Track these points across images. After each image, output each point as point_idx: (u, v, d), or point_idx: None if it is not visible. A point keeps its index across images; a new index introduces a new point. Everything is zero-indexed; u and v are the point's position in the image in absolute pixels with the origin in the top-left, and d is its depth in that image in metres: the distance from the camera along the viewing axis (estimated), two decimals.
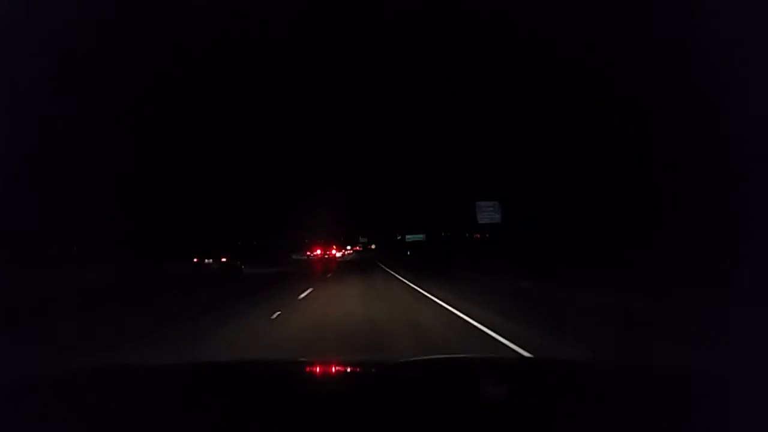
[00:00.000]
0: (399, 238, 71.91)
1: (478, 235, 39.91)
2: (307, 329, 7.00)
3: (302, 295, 12.19)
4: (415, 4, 25.48)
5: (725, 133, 12.00)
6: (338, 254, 64.42)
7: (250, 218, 48.78)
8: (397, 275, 19.22)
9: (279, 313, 8.71)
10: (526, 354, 4.88)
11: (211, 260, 23.16)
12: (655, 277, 9.73)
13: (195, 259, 23.12)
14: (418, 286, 13.42)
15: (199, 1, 23.11)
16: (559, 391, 1.47)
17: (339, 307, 9.61)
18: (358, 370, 2.02)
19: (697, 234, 11.38)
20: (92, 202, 21.12)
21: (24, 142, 17.53)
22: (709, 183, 12.02)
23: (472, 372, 1.83)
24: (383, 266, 27.62)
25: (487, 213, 24.47)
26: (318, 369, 2.00)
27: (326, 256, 52.18)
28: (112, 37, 21.40)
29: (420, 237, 50.65)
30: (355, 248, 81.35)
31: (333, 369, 2.03)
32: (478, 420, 1.14)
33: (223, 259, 23.67)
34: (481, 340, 5.84)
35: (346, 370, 1.98)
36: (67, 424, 1.15)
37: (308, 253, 53.11)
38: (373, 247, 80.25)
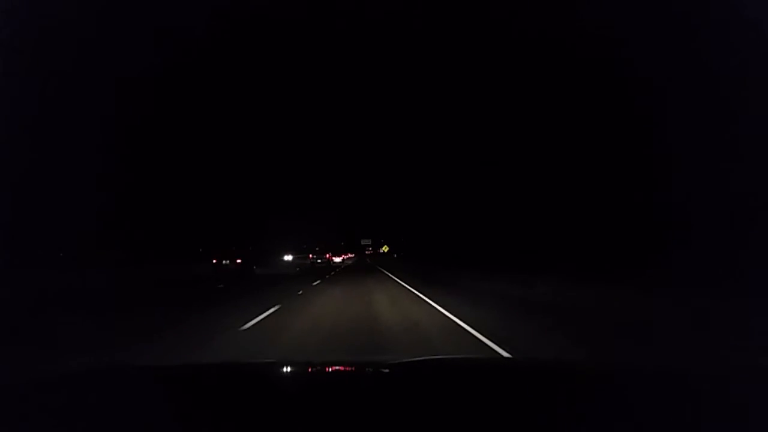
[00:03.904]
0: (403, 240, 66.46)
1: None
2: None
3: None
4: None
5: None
6: (337, 260, 64.89)
7: (251, 224, 51.83)
8: None
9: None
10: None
11: (228, 261, 28.44)
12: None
13: (214, 260, 28.41)
14: None
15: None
16: (559, 393, 1.54)
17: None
18: (354, 370, 2.16)
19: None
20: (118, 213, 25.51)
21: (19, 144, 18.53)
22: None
23: (469, 373, 1.95)
24: None
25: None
26: (315, 370, 2.17)
27: (318, 261, 50.83)
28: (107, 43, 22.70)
29: None
30: (349, 255, 69.84)
31: (328, 370, 2.17)
32: (474, 421, 1.21)
33: (238, 261, 28.93)
34: None
35: (341, 371, 2.13)
36: (67, 424, 1.22)
37: (309, 257, 54.61)
38: (385, 250, 63.98)
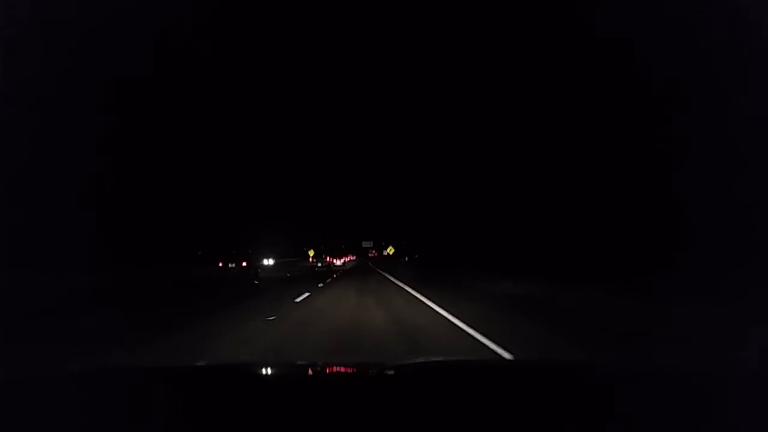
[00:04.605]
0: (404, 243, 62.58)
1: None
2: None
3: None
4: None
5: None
6: (338, 262, 64.31)
7: (250, 227, 51.74)
8: None
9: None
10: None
11: (233, 265, 29.02)
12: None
13: (220, 264, 28.96)
14: None
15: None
16: (560, 394, 1.56)
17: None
18: (357, 372, 2.16)
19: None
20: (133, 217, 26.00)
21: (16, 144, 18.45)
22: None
23: (471, 375, 1.97)
24: None
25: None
26: (317, 371, 2.17)
27: (319, 265, 49.53)
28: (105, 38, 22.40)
29: None
30: (350, 257, 68.69)
31: (331, 371, 2.18)
32: (477, 423, 1.22)
33: (244, 264, 29.50)
34: None
35: (344, 373, 2.12)
36: (65, 424, 1.24)
37: (309, 260, 53.29)
38: (390, 252, 57.43)
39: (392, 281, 20.17)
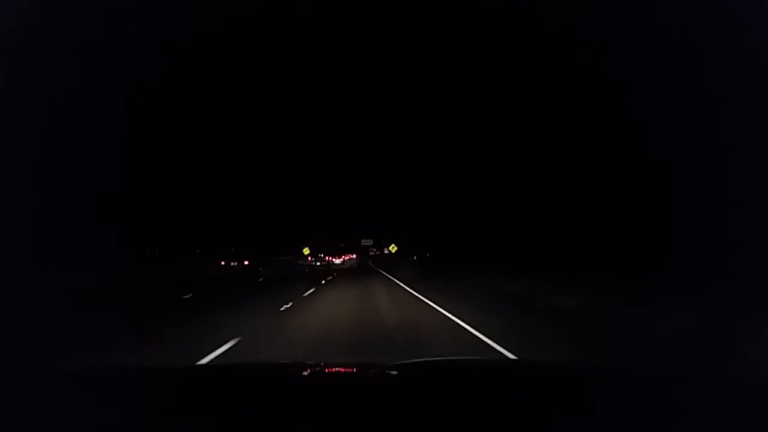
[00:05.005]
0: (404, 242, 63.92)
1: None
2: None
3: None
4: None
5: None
6: (338, 261, 64.92)
7: (250, 226, 51.44)
8: None
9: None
10: None
11: (235, 263, 29.35)
12: None
13: (222, 262, 29.26)
14: None
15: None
16: (561, 394, 1.58)
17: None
18: (355, 372, 2.19)
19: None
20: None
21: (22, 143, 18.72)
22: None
23: (474, 375, 1.99)
24: None
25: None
26: (315, 371, 2.19)
27: (318, 264, 49.08)
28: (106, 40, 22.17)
29: None
30: (350, 255, 69.43)
31: (329, 371, 2.21)
32: (479, 422, 1.23)
33: (246, 262, 29.81)
34: None
35: (346, 373, 2.16)
36: (67, 424, 1.24)
37: (308, 259, 54.21)
38: (393, 250, 49.04)
39: (419, 298, 12.17)
